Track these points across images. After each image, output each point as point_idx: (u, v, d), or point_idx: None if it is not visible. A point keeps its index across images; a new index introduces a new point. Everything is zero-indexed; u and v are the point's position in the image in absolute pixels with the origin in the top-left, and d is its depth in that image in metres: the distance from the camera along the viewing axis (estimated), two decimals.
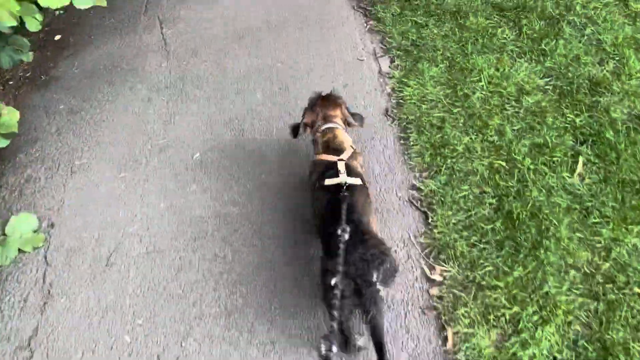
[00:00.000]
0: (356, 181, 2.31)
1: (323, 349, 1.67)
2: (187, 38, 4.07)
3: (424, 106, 3.17)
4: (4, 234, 2.84)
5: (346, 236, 1.98)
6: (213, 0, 4.39)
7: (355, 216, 2.15)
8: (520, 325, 2.21)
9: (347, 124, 2.67)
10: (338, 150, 2.47)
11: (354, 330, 2.19)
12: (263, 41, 3.90)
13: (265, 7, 4.22)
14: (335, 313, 1.76)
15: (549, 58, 3.31)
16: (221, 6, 4.33)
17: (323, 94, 2.73)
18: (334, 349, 1.67)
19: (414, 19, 3.78)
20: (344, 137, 2.57)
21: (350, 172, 2.34)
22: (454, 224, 2.60)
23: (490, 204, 2.65)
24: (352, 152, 2.48)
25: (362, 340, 2.22)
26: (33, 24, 2.89)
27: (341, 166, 2.33)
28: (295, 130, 2.68)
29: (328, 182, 2.29)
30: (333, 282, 1.84)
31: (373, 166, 2.95)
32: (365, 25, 3.94)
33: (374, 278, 1.93)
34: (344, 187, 2.21)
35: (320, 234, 2.31)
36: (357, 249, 1.99)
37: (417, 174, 2.89)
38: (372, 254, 1.99)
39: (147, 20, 4.34)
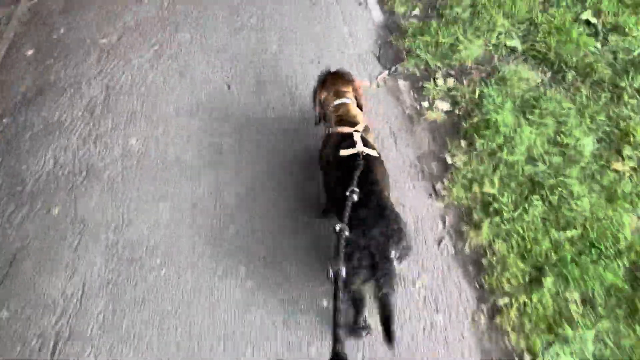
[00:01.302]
0: (373, 152, 2.29)
1: (332, 271, 1.69)
2: None
3: None
4: None
5: (355, 197, 1.98)
6: None
7: (376, 188, 2.13)
8: None
9: (357, 102, 2.68)
10: (352, 123, 2.46)
11: (365, 308, 2.18)
12: None
13: None
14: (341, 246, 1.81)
15: None
16: None
17: (332, 70, 2.76)
18: (342, 271, 1.69)
19: None
20: (357, 111, 2.59)
21: (366, 143, 2.32)
22: None
23: None
24: (365, 126, 2.49)
25: (372, 320, 2.24)
26: None
27: (357, 137, 2.31)
28: (316, 112, 2.70)
29: (344, 152, 2.25)
30: (338, 227, 1.87)
31: None
32: None
33: (392, 254, 1.92)
34: (361, 157, 2.18)
35: (336, 207, 2.21)
36: (378, 223, 1.97)
37: None
38: (392, 230, 1.97)
39: None
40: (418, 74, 3.60)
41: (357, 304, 2.14)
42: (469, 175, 2.90)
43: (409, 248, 2.08)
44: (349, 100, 2.61)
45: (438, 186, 2.92)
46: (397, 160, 3.08)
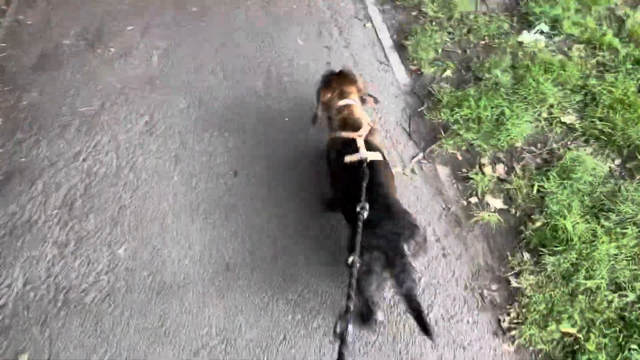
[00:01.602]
0: (377, 156, 2.28)
1: (339, 328, 1.60)
2: None
3: None
4: None
5: (365, 214, 1.96)
6: None
7: (381, 189, 2.16)
8: None
9: (363, 100, 2.66)
10: (355, 127, 2.41)
11: (376, 305, 2.16)
12: None
13: None
14: (352, 292, 1.70)
15: None
16: None
17: (336, 70, 2.71)
18: (350, 329, 1.59)
19: None
20: (361, 113, 2.53)
21: (370, 147, 2.31)
22: None
23: None
24: (370, 129, 2.43)
25: (381, 314, 2.32)
26: None
27: (360, 142, 2.30)
28: (315, 112, 2.64)
29: (348, 159, 2.26)
30: (350, 260, 1.81)
31: None
32: None
33: (406, 250, 1.91)
34: (365, 164, 2.18)
35: (344, 213, 2.27)
36: (386, 222, 1.99)
37: None
38: (402, 226, 1.99)
39: None
40: (459, 156, 3.04)
41: (369, 305, 2.11)
42: (542, 307, 2.35)
43: (423, 242, 2.07)
44: (353, 101, 2.55)
45: (504, 321, 2.37)
46: (447, 279, 2.53)
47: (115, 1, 4.32)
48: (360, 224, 1.92)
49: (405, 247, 1.92)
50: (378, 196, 2.10)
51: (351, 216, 2.06)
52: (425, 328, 1.83)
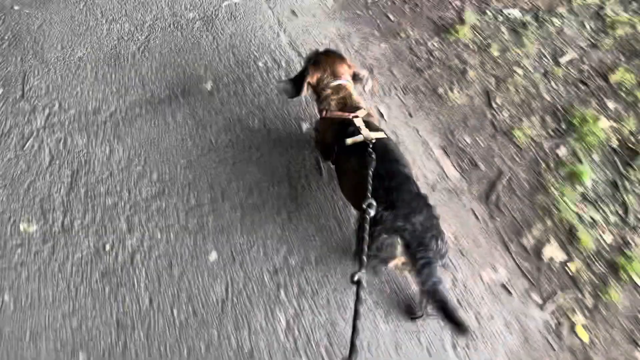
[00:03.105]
0: (381, 134, 2.16)
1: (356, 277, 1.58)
2: None
3: None
4: None
5: (372, 212, 1.80)
6: None
7: (405, 170, 2.05)
8: None
9: (354, 77, 2.54)
10: (355, 108, 2.31)
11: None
12: None
13: None
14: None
15: None
16: None
17: (322, 49, 2.61)
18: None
19: None
20: (357, 94, 2.45)
21: (370, 127, 2.19)
22: None
23: None
24: (367, 111, 2.34)
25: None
26: None
27: (359, 122, 2.18)
28: (297, 87, 2.47)
29: (350, 140, 2.12)
30: (356, 278, 1.62)
31: None
32: None
33: (430, 244, 1.77)
34: (370, 145, 2.05)
35: (356, 198, 2.02)
36: (420, 213, 1.83)
37: None
38: (433, 223, 1.84)
39: None
40: None
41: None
42: None
43: (446, 251, 1.86)
44: (347, 81, 2.45)
45: None
46: None
47: None
48: (366, 225, 1.76)
49: (433, 244, 1.78)
50: (404, 176, 1.99)
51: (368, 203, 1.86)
52: (458, 327, 1.66)
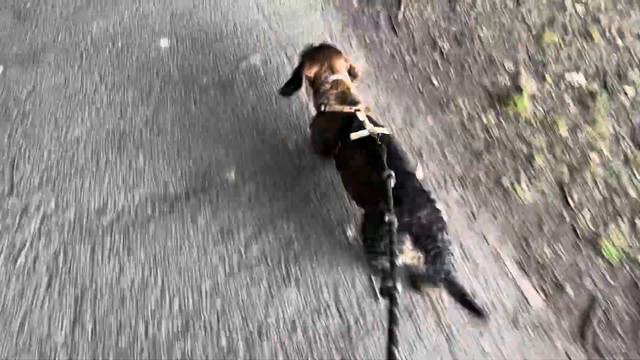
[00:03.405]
0: (386, 130, 2.16)
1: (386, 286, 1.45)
2: None
3: None
4: None
5: (393, 182, 1.83)
6: None
7: (408, 167, 2.06)
8: None
9: (350, 72, 2.51)
10: (354, 103, 2.29)
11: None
12: None
13: None
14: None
15: None
16: None
17: (316, 44, 2.59)
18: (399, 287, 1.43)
19: None
20: (355, 89, 2.42)
21: (373, 122, 2.18)
22: None
23: None
24: (366, 106, 2.33)
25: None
26: None
27: (362, 116, 2.17)
28: (295, 82, 2.46)
29: (355, 135, 2.10)
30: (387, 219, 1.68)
31: None
32: None
33: (438, 236, 1.78)
34: (378, 138, 2.04)
35: (362, 194, 2.10)
36: (424, 207, 1.84)
37: None
38: (437, 216, 1.85)
39: None
40: None
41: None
42: None
43: (451, 241, 1.83)
44: (344, 76, 2.42)
45: None
46: None
47: None
48: (389, 193, 1.79)
49: (439, 236, 1.79)
50: (407, 174, 1.99)
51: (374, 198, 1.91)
52: (473, 309, 1.69)
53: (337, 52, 2.52)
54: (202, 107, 3.15)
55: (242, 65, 3.39)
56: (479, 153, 2.86)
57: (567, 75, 3.15)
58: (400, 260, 1.89)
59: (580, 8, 3.51)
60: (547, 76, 3.17)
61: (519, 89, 3.11)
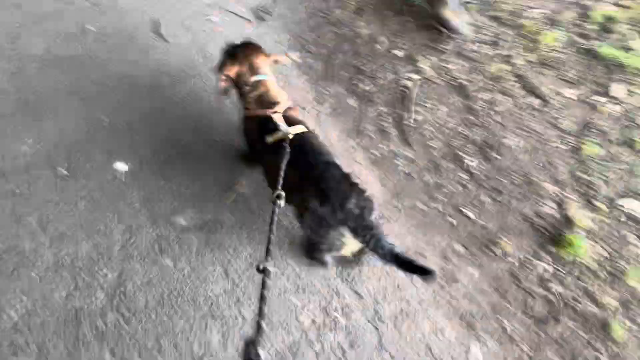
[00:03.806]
0: (300, 129, 2.15)
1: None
2: None
3: None
4: None
5: (281, 204, 1.85)
6: None
7: (329, 158, 2.10)
8: None
9: (276, 62, 2.57)
10: (273, 104, 2.27)
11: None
12: None
13: None
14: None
15: None
16: None
17: (238, 42, 2.57)
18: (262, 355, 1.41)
19: None
20: (277, 89, 2.40)
21: (290, 122, 2.18)
22: None
23: None
24: (288, 107, 2.31)
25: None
26: None
27: (278, 118, 2.17)
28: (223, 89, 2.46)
29: (270, 139, 2.11)
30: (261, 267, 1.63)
31: None
32: None
33: (372, 222, 1.91)
34: (287, 141, 2.06)
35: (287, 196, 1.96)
36: (351, 196, 1.91)
37: None
38: (365, 200, 1.94)
39: None
40: None
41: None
42: None
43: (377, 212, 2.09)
44: (267, 76, 2.41)
45: None
46: None
47: None
48: (275, 217, 1.78)
49: (371, 219, 1.92)
50: (331, 165, 2.05)
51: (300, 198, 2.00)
52: (423, 271, 1.81)
53: (257, 49, 2.51)
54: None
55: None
56: (543, 322, 2.32)
57: (620, 202, 2.69)
58: (348, 252, 2.16)
59: (616, 109, 3.07)
60: (597, 204, 2.69)
61: (570, 223, 2.60)
